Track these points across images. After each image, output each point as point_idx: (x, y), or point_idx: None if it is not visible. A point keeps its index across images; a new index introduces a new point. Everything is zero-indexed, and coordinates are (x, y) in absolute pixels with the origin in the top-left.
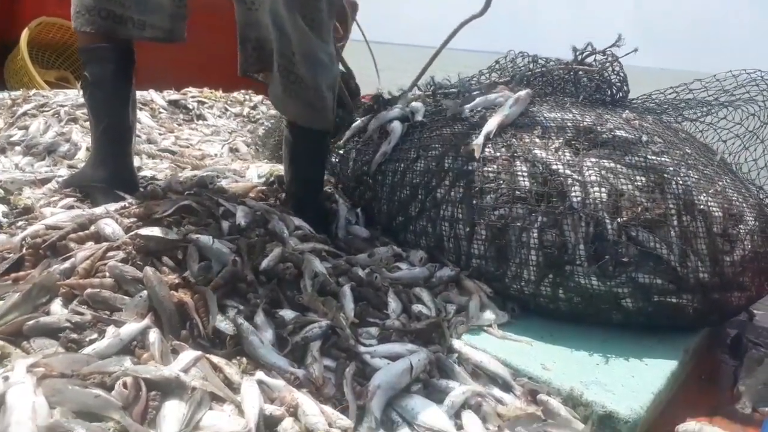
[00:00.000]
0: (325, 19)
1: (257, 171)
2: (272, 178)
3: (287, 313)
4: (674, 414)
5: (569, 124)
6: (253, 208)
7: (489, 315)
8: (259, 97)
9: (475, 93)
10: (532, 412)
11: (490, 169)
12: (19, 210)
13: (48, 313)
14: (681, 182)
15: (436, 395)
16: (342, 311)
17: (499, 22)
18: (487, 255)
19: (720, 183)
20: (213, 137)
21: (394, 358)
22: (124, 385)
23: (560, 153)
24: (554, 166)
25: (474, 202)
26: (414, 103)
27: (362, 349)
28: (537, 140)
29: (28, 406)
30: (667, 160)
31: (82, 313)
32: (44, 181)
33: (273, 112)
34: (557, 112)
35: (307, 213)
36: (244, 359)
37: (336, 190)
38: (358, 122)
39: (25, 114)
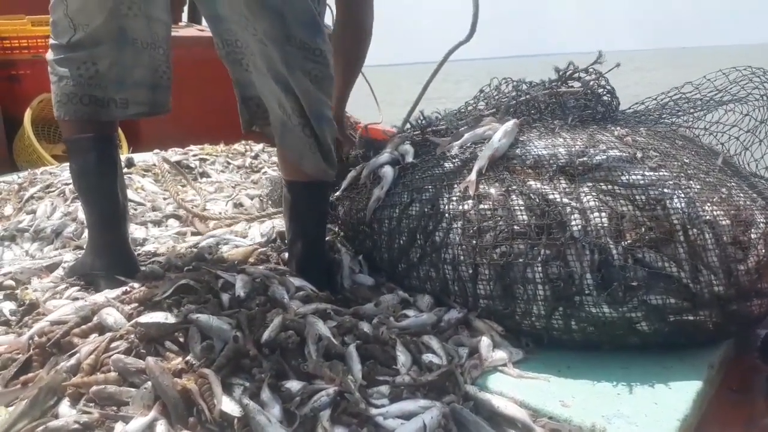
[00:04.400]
0: (327, 73)
1: (259, 230)
2: (274, 236)
3: (293, 385)
4: None
5: (561, 149)
6: (252, 276)
7: (502, 354)
8: (260, 146)
9: (462, 129)
10: None
11: (485, 206)
12: (26, 306)
13: (56, 416)
14: (682, 195)
15: None
16: (350, 374)
17: (508, 26)
18: (493, 294)
19: (724, 189)
20: (217, 194)
21: (407, 416)
22: None
23: (555, 181)
24: (551, 196)
25: (474, 242)
26: (403, 146)
27: (374, 411)
28: (530, 171)
29: None
30: (666, 173)
31: (89, 412)
32: (52, 268)
33: (274, 159)
34: (547, 138)
35: (312, 270)
36: None
37: (337, 239)
38: (352, 172)
39: (32, 197)
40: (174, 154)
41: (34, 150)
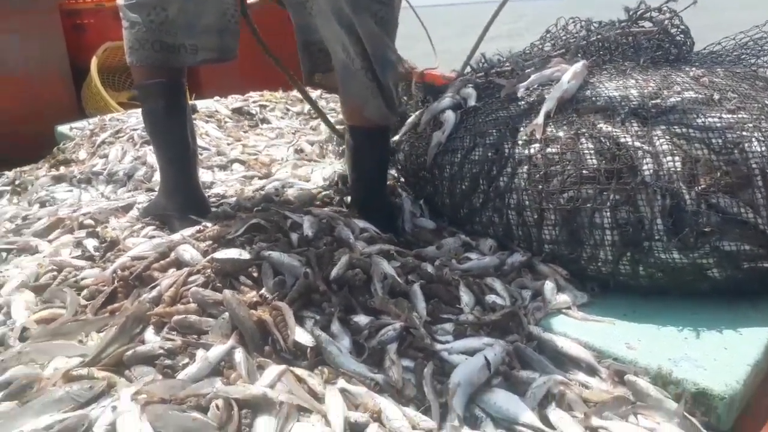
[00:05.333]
0: (393, 16)
1: (322, 174)
2: (336, 180)
3: (361, 319)
4: None
5: (633, 91)
6: (319, 217)
7: (567, 297)
8: (317, 92)
9: (528, 70)
10: (619, 394)
11: (553, 150)
12: (107, 243)
13: (143, 342)
14: (762, 138)
15: (519, 387)
16: (414, 311)
17: None
18: (559, 239)
19: None
20: (278, 140)
21: (471, 353)
22: (217, 406)
23: (627, 124)
24: (622, 140)
25: (540, 187)
26: (465, 89)
27: (439, 346)
28: (600, 114)
29: None
30: (745, 116)
31: (173, 339)
32: (127, 208)
33: (333, 105)
34: (619, 79)
35: (374, 214)
36: (326, 369)
37: (398, 184)
38: (412, 117)
39: (103, 143)
40: (234, 101)
41: (101, 98)
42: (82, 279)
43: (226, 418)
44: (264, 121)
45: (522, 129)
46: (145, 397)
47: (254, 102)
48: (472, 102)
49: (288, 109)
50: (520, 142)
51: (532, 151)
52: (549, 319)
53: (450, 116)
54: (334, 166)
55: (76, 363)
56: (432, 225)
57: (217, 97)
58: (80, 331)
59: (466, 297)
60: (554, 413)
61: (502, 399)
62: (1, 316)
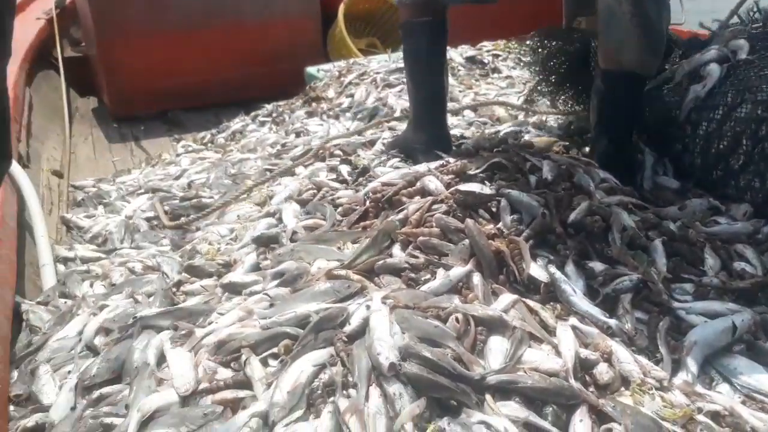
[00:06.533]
0: None
1: (556, 123)
2: (572, 129)
3: (596, 265)
4: None
5: None
6: (558, 162)
7: None
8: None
9: None
10: None
11: None
12: (359, 169)
13: (391, 256)
14: None
15: (763, 358)
16: (653, 266)
17: None
18: None
19: None
20: (508, 90)
21: (712, 316)
22: (457, 319)
23: None
24: None
25: None
26: (735, 41)
27: (676, 304)
28: None
29: (387, 328)
30: None
31: (416, 257)
32: (372, 143)
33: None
34: None
35: (614, 165)
36: (558, 305)
37: (640, 139)
38: (666, 72)
39: (350, 83)
40: (466, 49)
41: (345, 44)
42: (338, 198)
43: (464, 330)
44: (495, 70)
45: None
46: (392, 302)
47: (487, 51)
48: (742, 55)
49: (520, 60)
50: None
51: None
52: None
53: (714, 70)
54: (568, 117)
55: (336, 265)
56: (676, 185)
57: (450, 48)
58: (338, 240)
59: (711, 260)
60: None
61: (744, 365)
62: (274, 220)
